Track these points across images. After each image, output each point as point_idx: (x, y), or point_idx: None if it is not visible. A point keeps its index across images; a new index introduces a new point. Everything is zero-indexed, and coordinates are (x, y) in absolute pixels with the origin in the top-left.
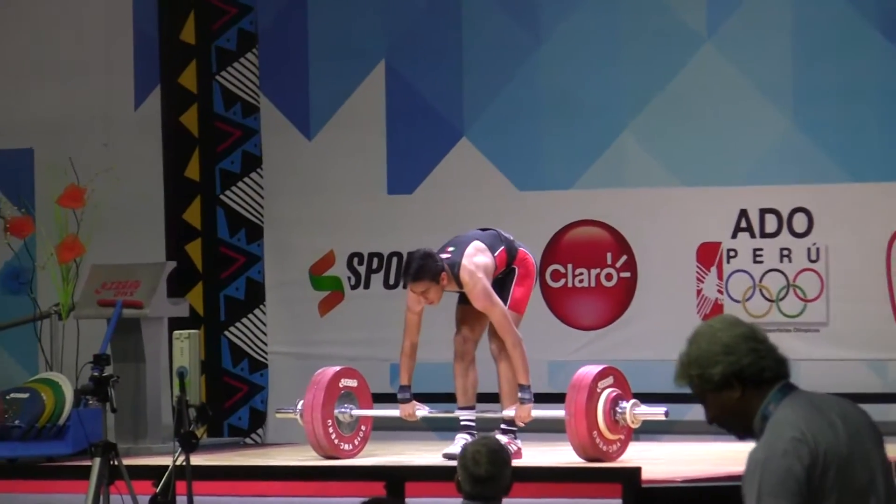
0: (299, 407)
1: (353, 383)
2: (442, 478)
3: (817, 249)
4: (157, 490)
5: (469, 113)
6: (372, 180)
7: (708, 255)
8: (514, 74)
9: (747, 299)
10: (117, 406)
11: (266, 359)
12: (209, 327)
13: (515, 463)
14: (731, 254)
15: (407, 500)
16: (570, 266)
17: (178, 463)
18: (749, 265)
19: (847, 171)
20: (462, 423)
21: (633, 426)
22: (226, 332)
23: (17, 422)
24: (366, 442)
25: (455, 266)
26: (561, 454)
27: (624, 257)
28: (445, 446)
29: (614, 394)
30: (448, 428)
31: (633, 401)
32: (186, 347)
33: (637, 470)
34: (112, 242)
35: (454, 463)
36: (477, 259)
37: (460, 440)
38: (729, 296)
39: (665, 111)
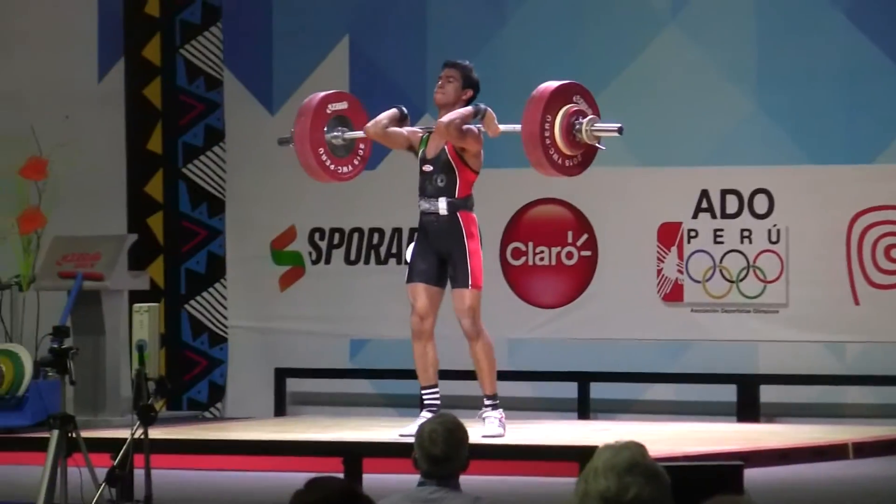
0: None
1: (342, 106)
2: (399, 454)
3: (777, 231)
4: (115, 463)
5: (432, 90)
6: None
7: (669, 235)
8: (478, 53)
9: (707, 280)
10: (76, 378)
11: (226, 333)
12: (169, 301)
13: (483, 441)
14: (692, 234)
15: (364, 476)
16: (530, 244)
17: (136, 436)
18: (709, 246)
19: (809, 154)
20: (426, 402)
21: (589, 142)
22: (186, 306)
23: None
24: (365, 162)
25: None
26: (521, 433)
27: (585, 236)
28: (404, 423)
29: (574, 108)
30: (407, 405)
31: (590, 116)
32: (146, 321)
33: (594, 449)
34: (73, 214)
35: (412, 440)
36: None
37: (421, 420)
38: (689, 276)
39: (628, 91)
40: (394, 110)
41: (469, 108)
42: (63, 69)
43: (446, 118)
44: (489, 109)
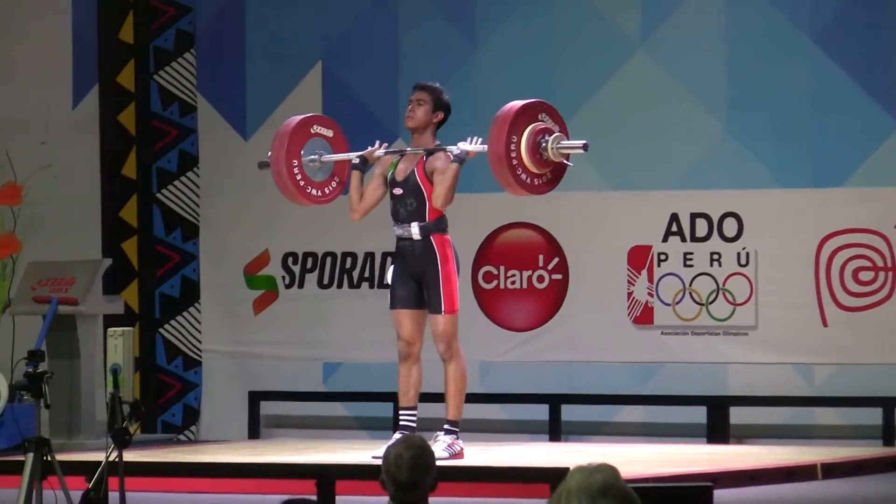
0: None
1: (328, 132)
2: (372, 476)
3: (747, 254)
4: (90, 486)
5: (404, 115)
6: None
7: (639, 258)
8: (450, 77)
9: (677, 302)
10: (51, 402)
11: (200, 356)
12: (144, 325)
13: (454, 463)
14: (662, 257)
15: (337, 498)
16: (502, 268)
17: (110, 459)
18: (679, 269)
19: (777, 178)
20: (401, 422)
21: (556, 160)
22: (160, 330)
23: None
24: (340, 190)
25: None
26: (492, 455)
27: (556, 259)
28: (377, 446)
29: (540, 127)
30: (380, 427)
31: (556, 134)
32: (120, 344)
33: (565, 471)
34: (48, 240)
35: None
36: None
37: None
38: (659, 299)
39: (598, 116)
40: (353, 171)
41: (454, 167)
42: (38, 95)
43: (442, 199)
44: (462, 151)
